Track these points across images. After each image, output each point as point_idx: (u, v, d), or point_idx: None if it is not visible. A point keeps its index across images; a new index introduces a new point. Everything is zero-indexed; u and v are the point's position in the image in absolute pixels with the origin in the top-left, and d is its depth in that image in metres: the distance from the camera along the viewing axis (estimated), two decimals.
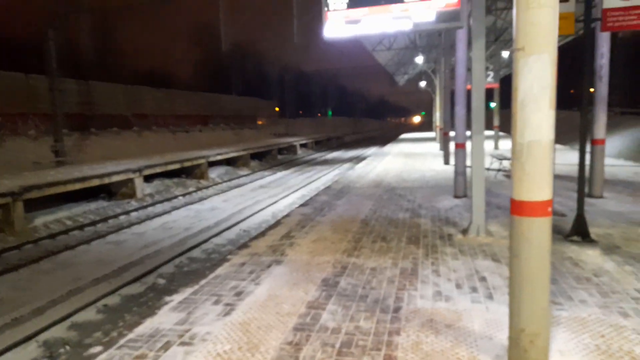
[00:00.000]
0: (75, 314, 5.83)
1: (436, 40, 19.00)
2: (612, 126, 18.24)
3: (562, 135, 20.70)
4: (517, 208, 2.73)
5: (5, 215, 10.01)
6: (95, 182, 12.76)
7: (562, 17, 5.65)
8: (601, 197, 7.83)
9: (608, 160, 11.13)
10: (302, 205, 8.75)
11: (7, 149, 15.90)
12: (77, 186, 12.14)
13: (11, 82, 17.51)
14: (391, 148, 23.92)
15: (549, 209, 2.69)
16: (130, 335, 3.43)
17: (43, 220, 11.15)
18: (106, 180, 13.12)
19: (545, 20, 2.58)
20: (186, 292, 4.27)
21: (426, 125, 65.18)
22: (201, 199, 14.41)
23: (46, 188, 11.13)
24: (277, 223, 7.22)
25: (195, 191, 15.99)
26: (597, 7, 5.97)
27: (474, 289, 4.04)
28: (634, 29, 5.81)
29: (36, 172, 13.99)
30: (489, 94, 21.29)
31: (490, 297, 3.87)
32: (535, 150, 2.64)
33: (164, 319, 3.70)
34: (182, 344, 3.26)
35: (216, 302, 3.99)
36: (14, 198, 10.07)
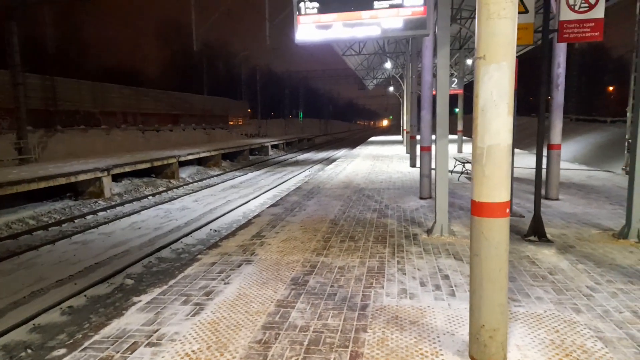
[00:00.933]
0: (38, 316, 5.67)
1: (404, 47, 19.43)
2: (568, 132, 19.14)
3: (522, 140, 21.57)
4: (477, 209, 2.88)
5: None
6: (61, 181, 12.37)
7: (522, 28, 5.95)
8: (557, 199, 8.24)
9: (564, 164, 11.71)
10: (272, 205, 8.79)
11: None
12: (42, 185, 11.74)
13: None
14: (360, 150, 24.22)
15: (507, 210, 2.86)
16: (96, 337, 3.40)
17: (5, 219, 10.73)
18: (73, 179, 12.75)
19: (504, 31, 2.74)
20: (154, 293, 4.25)
21: (394, 129, 66.25)
22: (171, 199, 14.20)
23: (8, 187, 10.72)
24: (248, 223, 7.24)
25: (165, 191, 15.74)
26: (555, 19, 6.30)
27: (437, 287, 4.21)
28: (588, 40, 6.17)
29: None
30: (454, 100, 21.91)
31: (452, 294, 4.04)
32: (494, 154, 2.79)
33: (132, 319, 3.68)
34: (150, 344, 3.26)
35: (185, 302, 4.00)
36: None
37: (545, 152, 6.73)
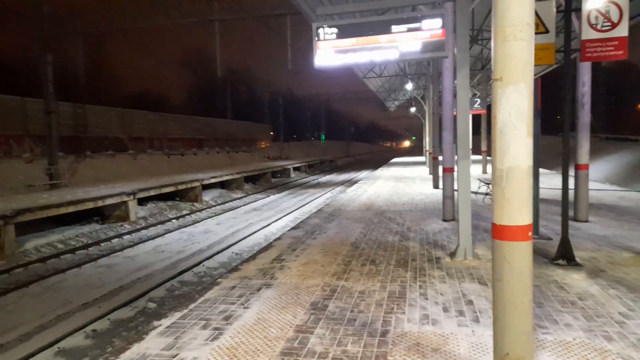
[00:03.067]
0: (63, 340, 5.76)
1: (425, 69, 19.49)
2: (597, 151, 18.61)
3: (549, 160, 21.07)
4: (498, 232, 2.82)
5: None
6: (89, 205, 12.73)
7: (543, 48, 5.89)
8: (586, 221, 7.96)
9: (593, 185, 11.35)
10: (293, 228, 8.79)
11: (1, 170, 15.87)
12: (71, 209, 12.10)
13: (6, 105, 17.64)
14: (382, 172, 24.12)
15: (530, 233, 2.78)
16: None
17: (34, 243, 11.06)
18: (100, 204, 13.10)
19: (521, 53, 2.72)
20: (175, 317, 4.27)
21: (417, 150, 65.88)
22: (195, 222, 14.39)
23: (38, 211, 11.09)
24: (269, 246, 7.25)
25: (189, 214, 15.97)
26: (577, 38, 6.23)
27: (461, 312, 4.09)
28: (610, 59, 6.05)
29: (29, 194, 13.94)
30: (477, 120, 21.71)
31: (476, 320, 3.91)
32: (514, 176, 2.74)
33: (152, 344, 3.70)
34: None
35: (204, 327, 3.99)
36: (5, 221, 10.02)
37: (573, 172, 6.56)
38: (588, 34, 5.99)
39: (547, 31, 6.10)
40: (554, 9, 6.20)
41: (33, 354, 5.34)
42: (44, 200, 12.01)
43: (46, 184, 16.59)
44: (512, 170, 2.74)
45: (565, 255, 5.47)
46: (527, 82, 2.74)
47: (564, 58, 5.73)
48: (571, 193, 5.93)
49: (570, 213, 6.55)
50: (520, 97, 2.74)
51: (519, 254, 2.76)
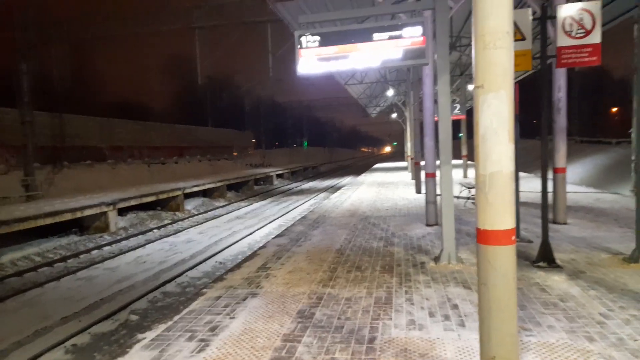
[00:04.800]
0: (41, 356, 5.59)
1: (405, 75, 19.74)
2: (573, 154, 19.11)
3: (528, 163, 21.51)
4: (483, 237, 2.86)
5: None
6: (67, 217, 12.43)
7: (520, 54, 6.03)
8: (565, 223, 8.15)
9: (571, 187, 11.62)
10: (278, 235, 8.75)
11: None
12: (48, 221, 11.79)
13: None
14: (365, 177, 24.25)
15: (513, 237, 2.83)
16: None
17: (10, 257, 10.73)
18: (78, 215, 12.80)
19: (501, 60, 2.78)
20: (159, 329, 4.19)
21: (398, 155, 66.51)
22: (177, 232, 14.18)
23: (14, 224, 10.78)
24: (253, 254, 7.19)
25: (170, 223, 15.73)
26: (553, 44, 6.40)
27: (447, 317, 4.12)
28: (586, 65, 6.24)
29: (4, 206, 13.54)
30: (457, 125, 22.05)
31: (462, 324, 3.95)
32: (497, 181, 2.79)
33: (136, 357, 3.62)
34: None
35: (190, 338, 3.93)
36: None
37: (550, 175, 6.71)
38: (563, 40, 6.17)
39: (524, 38, 6.25)
40: (530, 17, 6.37)
41: None
42: (20, 213, 11.68)
43: (22, 196, 16.14)
44: (494, 175, 2.79)
45: (545, 258, 5.58)
46: (507, 89, 2.80)
47: (540, 64, 5.88)
48: (550, 196, 6.05)
49: (550, 216, 6.68)
50: (501, 104, 2.79)
51: (503, 257, 2.80)
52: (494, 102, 2.79)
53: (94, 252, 11.66)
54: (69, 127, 21.66)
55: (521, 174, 7.09)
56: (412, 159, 19.94)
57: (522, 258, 5.92)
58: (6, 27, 16.28)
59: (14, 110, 16.93)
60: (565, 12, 6.17)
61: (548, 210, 5.76)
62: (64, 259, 10.77)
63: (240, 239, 12.43)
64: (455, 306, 4.39)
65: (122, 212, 15.37)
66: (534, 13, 6.68)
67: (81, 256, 11.19)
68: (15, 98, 16.61)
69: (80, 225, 13.86)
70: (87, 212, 13.15)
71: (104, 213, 13.80)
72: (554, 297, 4.50)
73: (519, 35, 6.15)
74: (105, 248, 12.08)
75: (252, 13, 16.79)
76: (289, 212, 17.74)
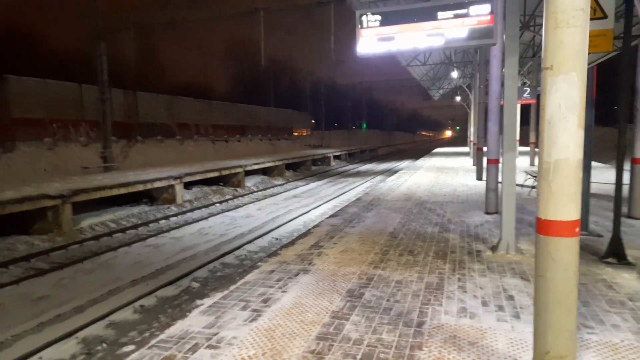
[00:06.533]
0: (113, 313, 6.15)
1: (471, 57, 18.84)
2: None
3: (603, 152, 19.90)
4: (543, 227, 2.72)
5: (55, 217, 10.66)
6: (139, 188, 13.37)
7: (600, 34, 5.55)
8: None
9: None
10: (332, 215, 8.86)
11: (58, 153, 16.92)
12: (122, 191, 12.76)
13: (65, 92, 18.71)
14: (424, 162, 23.69)
15: (577, 229, 2.67)
16: (162, 336, 3.61)
17: (89, 222, 11.79)
18: (149, 186, 13.73)
19: (574, 40, 2.58)
20: (216, 297, 4.45)
21: (460, 140, 64.05)
22: (237, 207, 14.79)
23: (93, 192, 11.78)
24: (307, 232, 7.35)
25: (231, 199, 16.43)
26: (638, 24, 5.82)
27: (501, 307, 4.00)
28: None
29: (84, 176, 14.81)
30: (526, 110, 20.78)
31: (516, 316, 3.82)
32: (562, 169, 2.63)
33: (194, 321, 3.88)
34: (209, 347, 3.41)
35: (244, 308, 4.14)
36: (63, 200, 10.73)
37: (628, 167, 6.19)
38: None
39: (605, 16, 5.75)
40: None
41: (86, 325, 5.74)
42: (98, 182, 12.72)
43: (100, 167, 17.54)
44: (560, 163, 2.63)
45: (616, 253, 5.20)
46: (578, 71, 2.60)
47: (622, 45, 5.37)
48: (625, 189, 5.60)
49: (624, 209, 6.19)
50: (571, 87, 2.61)
51: (565, 250, 2.66)
52: (563, 85, 2.62)
53: (162, 221, 12.49)
54: (141, 104, 23.10)
55: (595, 164, 6.59)
56: (474, 144, 19.15)
57: (589, 252, 5.57)
58: (86, 11, 17.46)
59: (94, 88, 18.28)
60: None
61: (622, 203, 5.34)
62: (135, 226, 11.65)
63: (296, 217, 12.72)
64: (510, 297, 4.24)
65: (187, 185, 16.26)
66: None
67: (150, 225, 12.03)
68: (93, 78, 17.91)
69: (150, 196, 14.86)
70: (157, 185, 14.05)
71: (172, 186, 14.67)
72: (622, 296, 4.21)
73: (599, 13, 5.66)
74: (172, 219, 12.88)
75: None
76: (344, 193, 17.83)
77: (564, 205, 2.64)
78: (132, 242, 10.08)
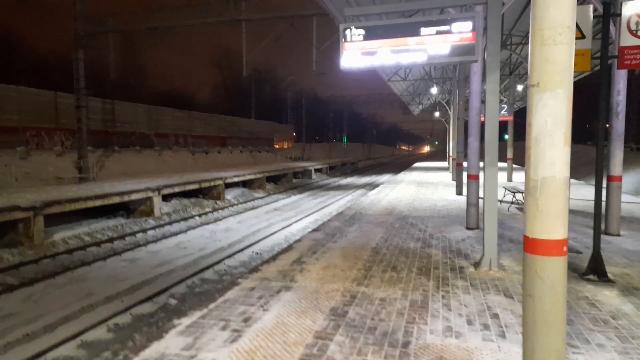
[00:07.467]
0: (85, 332, 5.86)
1: (451, 73, 19.21)
2: (628, 162, 17.93)
3: (578, 168, 20.44)
4: (530, 246, 2.69)
5: (26, 229, 10.23)
6: (115, 200, 12.99)
7: (579, 54, 5.68)
8: (618, 235, 7.64)
9: (624, 197, 10.91)
10: (314, 230, 8.75)
11: (32, 162, 16.38)
12: (98, 203, 12.37)
13: (40, 99, 18.21)
14: (404, 176, 23.87)
15: (564, 248, 2.64)
16: (136, 359, 3.43)
17: (62, 235, 11.35)
18: (126, 198, 13.35)
19: (560, 57, 2.59)
20: (195, 316, 4.28)
21: (438, 155, 65.03)
22: (216, 220, 14.52)
23: (67, 204, 11.37)
24: (289, 247, 7.22)
25: (211, 211, 16.13)
26: (614, 44, 5.99)
27: (486, 326, 3.96)
28: None
29: (58, 187, 14.33)
30: (503, 126, 21.23)
31: (502, 335, 3.78)
32: (549, 187, 2.61)
33: (171, 343, 3.70)
34: None
35: (224, 328, 3.98)
36: (35, 212, 10.31)
37: (604, 184, 6.31)
38: (627, 40, 5.76)
39: (583, 37, 5.89)
40: (591, 14, 5.98)
41: (57, 345, 5.44)
42: (72, 193, 12.31)
43: (75, 177, 17.03)
44: (547, 180, 2.61)
45: (596, 270, 5.25)
46: (565, 88, 2.61)
47: (600, 64, 5.51)
48: (602, 205, 5.69)
49: (602, 226, 6.29)
50: (558, 104, 2.61)
51: (552, 269, 2.63)
52: (550, 102, 2.61)
53: (139, 235, 12.13)
54: (120, 113, 22.68)
55: (571, 180, 6.69)
56: (453, 159, 19.41)
57: (570, 269, 5.60)
58: (66, 17, 17.16)
59: (71, 95, 17.85)
60: (632, 9, 5.75)
61: (601, 219, 5.41)
62: (110, 240, 11.28)
63: (278, 231, 12.55)
64: (495, 315, 4.20)
65: (166, 198, 15.91)
66: (594, 10, 6.27)
67: (126, 238, 11.67)
68: (70, 85, 17.52)
69: (127, 208, 14.46)
70: (134, 197, 13.68)
71: (149, 198, 14.32)
72: (605, 314, 4.22)
73: (578, 33, 5.79)
74: (149, 232, 12.54)
75: (298, 6, 16.81)
76: (325, 206, 17.75)
77: (551, 224, 2.62)
78: (107, 256, 9.74)
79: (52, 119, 18.59)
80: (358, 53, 5.77)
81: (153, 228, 12.89)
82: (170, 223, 13.67)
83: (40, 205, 10.50)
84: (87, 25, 17.30)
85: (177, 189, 15.98)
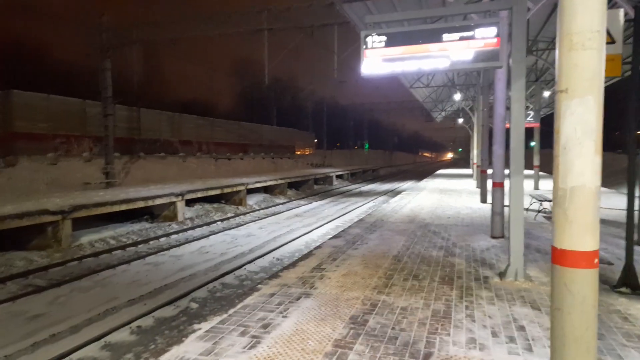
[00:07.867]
0: (109, 334, 5.96)
1: (474, 79, 18.94)
2: None
3: (606, 178, 19.76)
4: (559, 257, 2.60)
5: (54, 232, 10.54)
6: (140, 204, 13.27)
7: (609, 59, 5.49)
8: None
9: None
10: (334, 237, 8.71)
11: (61, 168, 16.89)
12: (123, 207, 12.66)
13: (69, 107, 18.81)
14: (426, 183, 23.59)
15: (595, 261, 2.54)
16: None
17: (89, 238, 11.64)
18: (150, 203, 13.63)
19: (590, 62, 2.52)
20: (214, 321, 4.29)
21: (462, 162, 64.09)
22: (238, 225, 14.64)
23: (94, 208, 11.67)
24: (309, 254, 7.20)
25: (233, 217, 16.28)
26: None
27: (512, 339, 3.83)
28: None
29: (85, 192, 14.73)
30: (529, 133, 20.78)
31: (529, 349, 3.65)
32: (578, 197, 2.52)
33: (190, 347, 3.72)
34: None
35: (243, 334, 3.98)
36: (63, 216, 10.62)
37: (637, 193, 6.07)
38: None
39: (613, 41, 5.72)
40: (622, 19, 5.81)
41: (81, 346, 5.55)
42: (99, 198, 12.62)
43: (101, 183, 17.48)
44: (576, 190, 2.52)
45: (628, 283, 5.04)
46: (595, 95, 2.52)
47: (631, 70, 5.33)
48: (635, 215, 5.47)
49: (635, 236, 6.04)
50: (588, 111, 2.52)
51: (582, 282, 2.52)
52: (579, 109, 2.53)
53: (162, 239, 12.34)
54: (144, 120, 23.19)
55: (601, 189, 6.46)
56: (478, 166, 19.08)
57: (601, 281, 5.37)
58: (90, 28, 17.75)
59: (98, 103, 18.37)
60: None
61: (634, 229, 5.20)
62: (135, 243, 11.50)
63: (298, 237, 12.56)
64: (521, 327, 4.07)
65: (189, 203, 16.15)
66: (625, 14, 6.08)
67: (150, 242, 11.87)
68: (97, 93, 18.04)
69: (151, 213, 14.74)
70: (158, 202, 13.95)
71: (173, 203, 14.56)
72: (639, 328, 4.04)
73: (608, 38, 5.62)
74: (172, 236, 12.73)
75: (318, 17, 16.88)
76: (346, 213, 17.68)
77: (580, 235, 2.52)
78: (131, 259, 9.92)
79: (80, 127, 19.15)
80: (379, 60, 5.73)
81: (176, 232, 13.08)
82: (193, 228, 13.86)
83: (68, 209, 10.80)
84: (113, 37, 17.83)
85: (200, 194, 16.21)
